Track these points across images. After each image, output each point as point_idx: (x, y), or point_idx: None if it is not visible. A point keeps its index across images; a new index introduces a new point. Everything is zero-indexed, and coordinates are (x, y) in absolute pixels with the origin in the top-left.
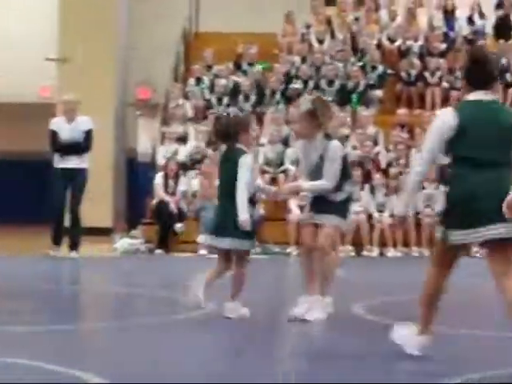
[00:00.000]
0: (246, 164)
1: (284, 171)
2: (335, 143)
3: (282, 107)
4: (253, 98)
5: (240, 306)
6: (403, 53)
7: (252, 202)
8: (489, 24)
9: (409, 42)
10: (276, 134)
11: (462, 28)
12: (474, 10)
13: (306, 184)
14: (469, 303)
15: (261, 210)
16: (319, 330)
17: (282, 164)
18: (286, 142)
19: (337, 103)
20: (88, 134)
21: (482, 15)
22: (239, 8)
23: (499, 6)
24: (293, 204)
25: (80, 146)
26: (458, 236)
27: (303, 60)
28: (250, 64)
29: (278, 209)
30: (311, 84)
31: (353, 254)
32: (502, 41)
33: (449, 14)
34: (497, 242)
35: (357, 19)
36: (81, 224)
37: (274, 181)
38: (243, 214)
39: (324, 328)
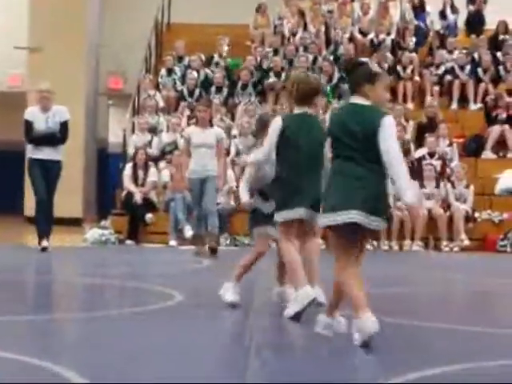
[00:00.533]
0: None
1: None
2: None
3: (255, 99)
4: (225, 90)
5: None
6: (376, 46)
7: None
8: (461, 19)
9: (381, 36)
10: (247, 125)
11: (434, 22)
12: (446, 5)
13: None
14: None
15: (231, 202)
16: (288, 323)
17: None
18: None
19: None
20: (64, 125)
21: (454, 10)
22: None
23: (471, 1)
24: None
25: (56, 137)
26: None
27: (275, 52)
28: (221, 56)
29: None
30: (284, 76)
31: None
32: (473, 36)
33: (418, 8)
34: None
35: (330, 12)
36: (53, 215)
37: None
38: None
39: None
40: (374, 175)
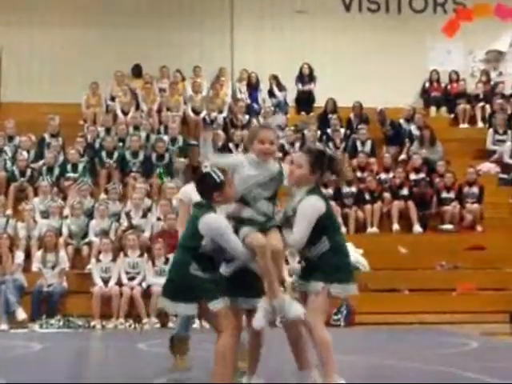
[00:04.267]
0: None
1: (88, 243)
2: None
3: (87, 179)
4: (56, 170)
5: None
6: (208, 124)
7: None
8: (291, 97)
9: (213, 114)
10: (78, 206)
11: (266, 100)
12: (272, 84)
13: None
14: None
15: (64, 283)
16: None
17: (85, 236)
18: (90, 214)
19: (141, 174)
20: None
21: (280, 88)
22: (42, 78)
23: (299, 79)
24: (97, 276)
25: None
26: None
27: (107, 131)
28: (53, 135)
29: (82, 281)
30: (116, 155)
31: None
32: (303, 113)
33: (252, 87)
34: None
35: (162, 91)
36: None
37: (77, 253)
38: None
39: None
40: None
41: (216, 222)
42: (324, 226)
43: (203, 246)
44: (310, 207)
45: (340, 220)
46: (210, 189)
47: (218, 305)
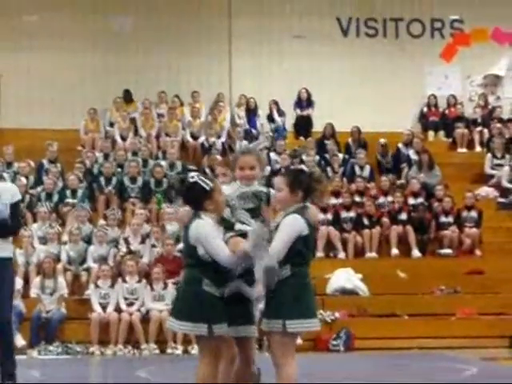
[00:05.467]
0: None
1: (87, 269)
2: None
3: (86, 205)
4: (55, 196)
5: None
6: (206, 149)
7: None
8: (289, 122)
9: (212, 139)
10: (77, 232)
11: (264, 125)
12: (272, 108)
13: None
14: None
15: (62, 309)
16: None
17: (84, 262)
18: (88, 240)
19: (140, 200)
20: (15, 209)
21: (280, 113)
22: (41, 104)
23: (298, 104)
24: (95, 302)
25: (5, 226)
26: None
27: (106, 157)
28: (51, 161)
29: (81, 307)
30: (114, 181)
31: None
32: (301, 138)
33: (251, 112)
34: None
35: (160, 116)
36: (13, 344)
37: (76, 279)
38: None
39: None
40: None
41: (203, 227)
42: (290, 251)
43: (201, 255)
44: (289, 224)
45: (339, 245)
46: (200, 197)
47: (220, 330)
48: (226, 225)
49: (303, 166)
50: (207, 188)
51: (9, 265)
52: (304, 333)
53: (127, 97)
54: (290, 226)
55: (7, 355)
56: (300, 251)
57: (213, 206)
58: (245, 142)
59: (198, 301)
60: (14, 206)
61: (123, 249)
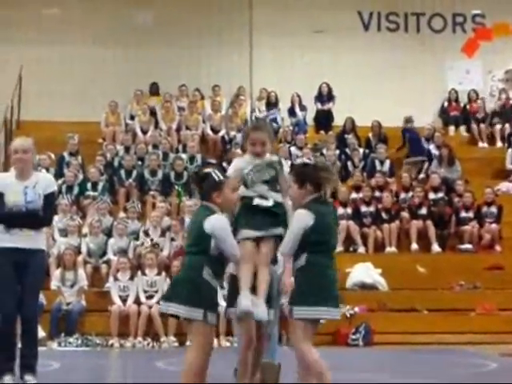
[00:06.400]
0: None
1: (107, 262)
2: None
3: (106, 197)
4: (76, 189)
5: None
6: (227, 143)
7: None
8: (310, 116)
9: (232, 133)
10: (97, 224)
11: (285, 119)
12: (294, 102)
13: None
14: None
15: (82, 302)
16: None
17: (104, 254)
18: (108, 233)
19: (160, 193)
20: (49, 200)
21: (302, 107)
22: (62, 96)
23: (318, 99)
24: (115, 295)
25: (37, 217)
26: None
27: (127, 150)
28: (72, 154)
29: (100, 299)
30: (134, 174)
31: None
32: (322, 132)
33: (271, 106)
34: None
35: (181, 109)
36: (36, 336)
37: (96, 271)
38: None
39: None
40: None
41: (221, 221)
42: (305, 242)
43: (212, 248)
44: (294, 219)
45: (359, 240)
46: (210, 189)
47: (213, 318)
48: (246, 201)
49: (323, 160)
50: (217, 179)
51: (41, 257)
52: (317, 321)
53: (154, 89)
54: (295, 221)
55: (31, 347)
56: (313, 241)
57: (220, 199)
58: None
59: (196, 287)
60: (48, 197)
61: (146, 242)
